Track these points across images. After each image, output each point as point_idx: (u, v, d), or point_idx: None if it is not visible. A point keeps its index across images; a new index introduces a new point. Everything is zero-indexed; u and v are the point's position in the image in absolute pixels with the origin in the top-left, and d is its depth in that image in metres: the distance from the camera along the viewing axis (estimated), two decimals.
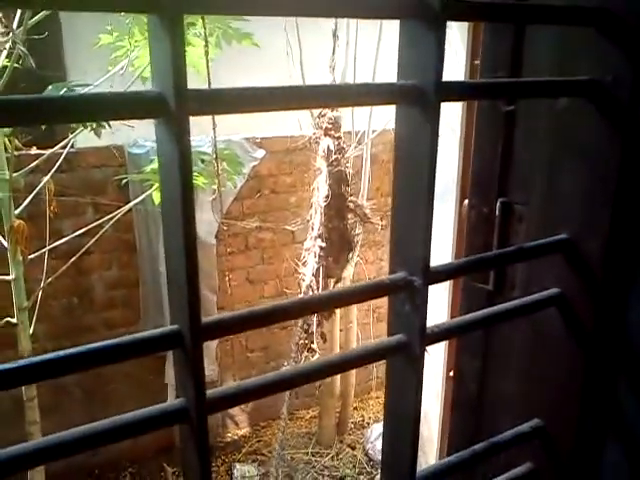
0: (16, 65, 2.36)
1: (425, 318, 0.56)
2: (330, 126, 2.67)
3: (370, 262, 4.62)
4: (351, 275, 3.83)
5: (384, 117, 3.73)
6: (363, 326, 4.57)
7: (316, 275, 2.74)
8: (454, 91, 0.52)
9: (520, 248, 0.63)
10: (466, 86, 0.54)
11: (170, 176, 0.41)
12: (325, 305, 0.52)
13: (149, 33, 0.42)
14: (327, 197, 2.62)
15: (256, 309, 0.48)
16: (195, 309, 0.44)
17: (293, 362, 2.85)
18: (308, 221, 2.89)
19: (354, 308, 3.88)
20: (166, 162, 0.42)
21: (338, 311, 3.48)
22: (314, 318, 2.85)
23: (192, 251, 0.42)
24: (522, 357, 0.76)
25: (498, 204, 0.75)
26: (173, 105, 0.39)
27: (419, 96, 0.50)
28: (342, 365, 0.54)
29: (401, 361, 0.58)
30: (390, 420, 0.62)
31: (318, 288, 2.69)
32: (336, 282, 2.90)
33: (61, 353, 0.41)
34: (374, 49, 3.46)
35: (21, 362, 0.40)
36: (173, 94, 0.39)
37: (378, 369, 4.80)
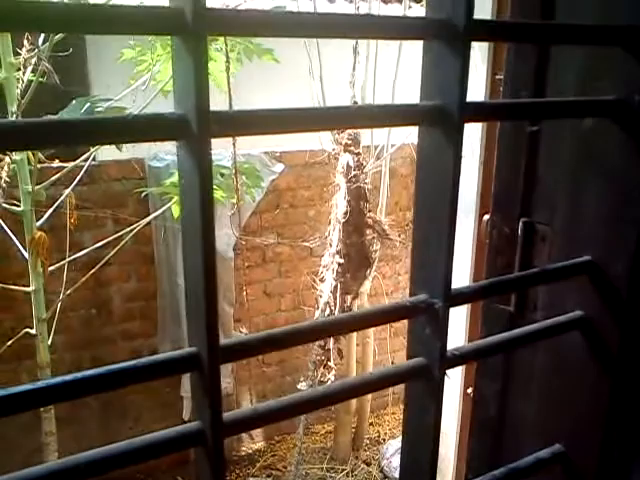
0: (41, 80, 2.40)
1: (446, 341, 0.55)
2: (350, 142, 2.67)
3: (388, 277, 4.59)
4: (368, 290, 3.82)
5: (403, 131, 3.73)
6: (380, 341, 4.54)
7: (334, 292, 2.72)
8: (478, 112, 0.51)
9: (544, 270, 0.62)
10: (490, 107, 0.53)
11: (191, 198, 0.41)
12: (344, 328, 0.51)
13: (173, 54, 0.42)
14: (346, 214, 2.60)
15: (274, 332, 0.47)
16: (213, 331, 0.44)
17: (310, 380, 2.83)
18: (326, 237, 2.88)
19: None
20: (187, 184, 0.42)
21: None
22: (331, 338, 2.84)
23: (211, 273, 0.42)
24: (543, 381, 0.75)
25: (520, 224, 0.74)
26: (195, 128, 0.39)
27: (442, 117, 0.49)
28: (360, 389, 0.53)
29: (421, 385, 0.57)
30: (409, 444, 0.60)
31: (335, 305, 2.67)
32: (353, 298, 2.89)
33: (78, 375, 0.41)
34: (394, 63, 3.46)
35: (39, 384, 0.39)
36: (195, 116, 0.39)
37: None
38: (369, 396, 4.31)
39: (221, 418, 0.46)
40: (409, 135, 3.83)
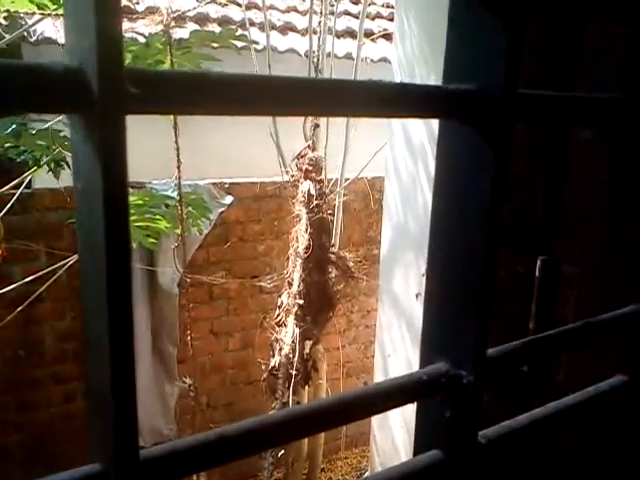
0: None
1: (477, 427, 0.39)
2: (311, 168, 2.48)
3: (340, 315, 4.42)
4: None
5: (357, 165, 3.62)
6: (332, 382, 4.34)
7: (295, 339, 2.49)
8: (534, 105, 0.36)
9: (594, 323, 0.47)
10: (554, 101, 0.38)
11: (91, 217, 0.24)
12: (332, 419, 0.35)
13: None
14: (308, 248, 2.40)
15: (228, 431, 0.30)
16: (130, 438, 0.26)
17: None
18: (283, 275, 2.67)
19: (324, 364, 3.67)
20: (86, 191, 0.25)
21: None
22: (290, 389, 2.61)
23: (124, 345, 0.24)
24: (570, 462, 0.59)
25: (539, 262, 0.59)
26: (97, 91, 0.22)
27: (479, 107, 0.34)
28: None
29: None
30: None
31: (294, 353, 2.45)
32: (314, 344, 2.68)
33: None
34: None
35: None
36: (97, 71, 0.22)
37: (348, 427, 4.56)
38: (321, 440, 4.10)
39: None
40: (363, 170, 3.73)
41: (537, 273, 0.59)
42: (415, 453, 0.41)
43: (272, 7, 4.48)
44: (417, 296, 2.02)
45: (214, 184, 3.77)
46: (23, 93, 0.22)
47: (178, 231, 2.59)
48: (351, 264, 2.59)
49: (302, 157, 2.57)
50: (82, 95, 0.22)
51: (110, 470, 0.27)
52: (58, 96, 0.23)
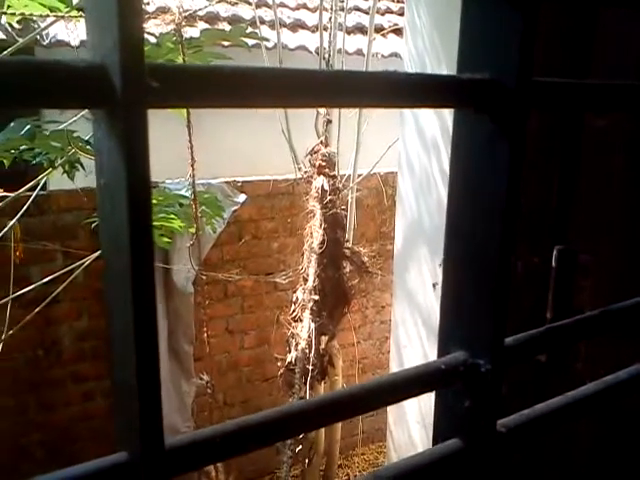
0: None
1: (496, 416, 0.39)
2: (324, 163, 2.48)
3: (355, 311, 4.43)
4: None
5: (370, 160, 3.62)
6: (348, 378, 4.35)
7: (311, 335, 2.49)
8: (549, 93, 0.36)
9: (604, 311, 0.47)
10: (569, 88, 0.38)
11: (114, 213, 0.25)
12: (352, 407, 0.35)
13: None
14: (322, 243, 2.39)
15: (252, 419, 0.30)
16: (155, 427, 0.27)
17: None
18: (298, 270, 2.67)
19: (339, 360, 3.68)
20: (109, 186, 0.25)
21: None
22: (307, 385, 2.61)
23: (149, 337, 0.25)
24: (590, 453, 0.59)
25: (555, 252, 0.59)
26: (120, 87, 0.23)
27: (493, 96, 0.34)
28: None
29: (455, 477, 0.41)
30: None
31: (310, 349, 2.45)
32: (330, 340, 2.68)
33: None
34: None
35: None
36: (120, 68, 0.23)
37: (364, 422, 4.57)
38: (338, 436, 4.11)
39: None
40: (375, 165, 3.73)
41: (553, 263, 0.59)
42: (434, 442, 0.41)
43: (282, 5, 4.49)
44: (434, 286, 2.01)
45: (227, 183, 3.78)
46: (48, 89, 0.23)
47: (192, 230, 2.61)
48: (365, 259, 2.59)
49: (315, 153, 2.56)
50: (105, 90, 0.23)
51: (136, 458, 0.28)
52: (82, 91, 0.23)
